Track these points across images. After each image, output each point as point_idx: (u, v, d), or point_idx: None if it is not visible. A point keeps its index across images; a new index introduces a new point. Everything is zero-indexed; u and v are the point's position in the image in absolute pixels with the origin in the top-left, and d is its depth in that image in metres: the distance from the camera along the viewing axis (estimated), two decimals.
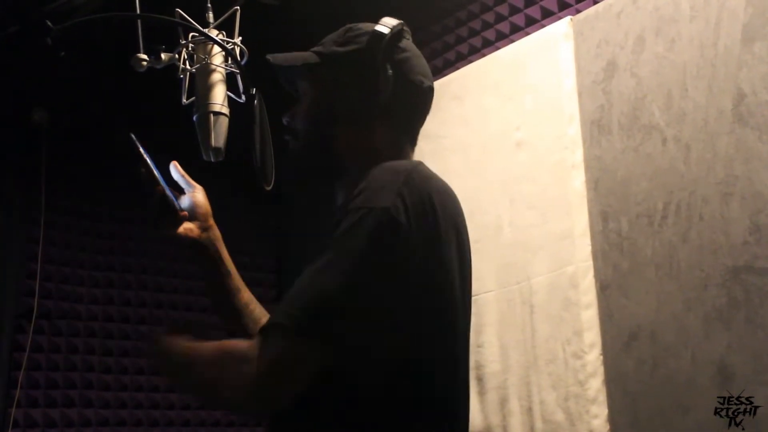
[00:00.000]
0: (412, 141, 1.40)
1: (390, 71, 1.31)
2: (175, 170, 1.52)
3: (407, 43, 1.37)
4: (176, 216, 1.44)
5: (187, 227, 1.45)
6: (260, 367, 1.07)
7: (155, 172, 1.42)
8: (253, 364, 1.07)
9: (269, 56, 1.36)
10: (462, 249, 1.27)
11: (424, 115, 1.41)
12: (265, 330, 1.11)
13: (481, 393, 2.49)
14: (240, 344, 1.14)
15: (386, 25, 1.33)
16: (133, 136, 1.42)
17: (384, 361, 1.13)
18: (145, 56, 1.70)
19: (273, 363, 1.07)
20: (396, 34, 1.33)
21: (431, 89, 1.38)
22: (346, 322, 1.09)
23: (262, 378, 1.07)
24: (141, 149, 1.42)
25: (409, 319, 1.14)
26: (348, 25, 1.38)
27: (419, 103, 1.37)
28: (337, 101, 1.34)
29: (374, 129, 1.32)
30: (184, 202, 1.48)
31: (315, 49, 1.38)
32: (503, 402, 2.43)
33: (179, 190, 1.51)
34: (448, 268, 1.20)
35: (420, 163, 1.25)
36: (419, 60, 1.37)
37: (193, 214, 1.47)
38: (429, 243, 1.15)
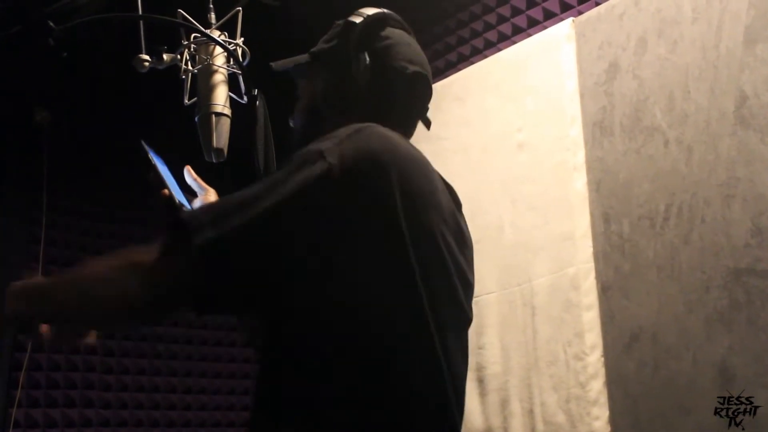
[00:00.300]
0: (405, 130, 1.36)
1: (366, 60, 1.31)
2: (188, 174, 1.53)
3: (391, 30, 1.36)
4: None
5: None
6: (156, 275, 1.05)
7: (164, 175, 1.41)
8: (149, 273, 1.05)
9: (272, 63, 1.39)
10: (435, 217, 1.19)
11: (416, 103, 1.38)
12: (172, 236, 1.07)
13: (482, 394, 2.49)
14: (141, 253, 1.08)
15: (360, 14, 1.35)
16: (143, 142, 1.42)
17: (308, 309, 1.10)
18: (147, 57, 1.71)
19: (170, 275, 1.05)
20: (374, 22, 1.34)
21: (419, 75, 1.35)
22: (253, 255, 1.05)
23: (156, 286, 1.05)
24: (151, 155, 1.42)
25: (328, 266, 1.08)
26: (337, 22, 1.39)
27: (405, 90, 1.34)
28: (323, 95, 1.35)
29: (361, 119, 1.31)
30: (197, 204, 1.49)
31: (312, 49, 1.40)
32: (504, 403, 2.43)
33: (193, 194, 1.52)
34: (388, 230, 1.10)
35: (383, 127, 1.19)
36: (405, 47, 1.36)
37: None
38: (364, 197, 1.09)
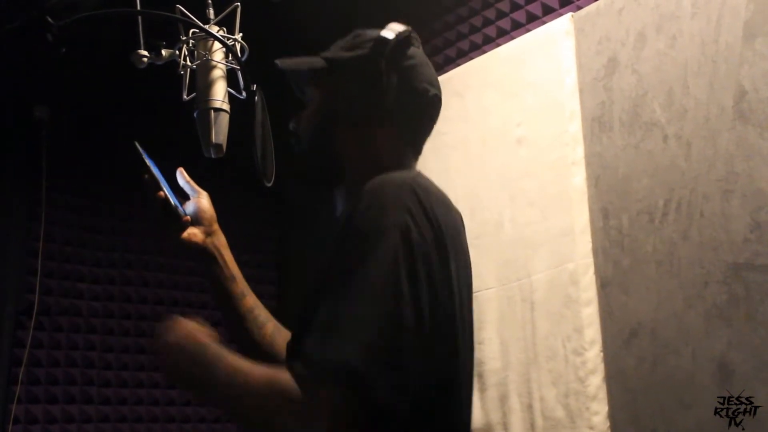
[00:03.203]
0: (416, 149, 1.38)
1: (394, 77, 1.30)
2: (181, 177, 1.53)
3: (415, 50, 1.36)
4: (180, 221, 1.44)
5: (191, 232, 1.46)
6: (311, 414, 1.02)
7: (158, 178, 1.42)
8: (303, 410, 1.02)
9: (278, 61, 1.37)
10: (464, 262, 1.25)
11: (430, 124, 1.40)
12: (314, 372, 1.03)
13: (482, 390, 2.49)
14: (290, 382, 1.04)
15: (392, 30, 1.33)
16: (137, 144, 1.42)
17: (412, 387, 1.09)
18: (145, 52, 1.71)
19: (324, 414, 1.02)
20: (403, 40, 1.33)
21: (437, 98, 1.36)
22: (392, 363, 1.03)
23: (309, 425, 1.02)
24: (145, 157, 1.42)
25: (430, 340, 1.09)
26: (356, 31, 1.38)
27: (424, 111, 1.37)
28: (340, 105, 1.34)
29: (376, 135, 1.32)
30: (189, 207, 1.49)
31: (323, 54, 1.38)
32: (503, 399, 2.43)
33: (185, 197, 1.52)
34: (453, 284, 1.16)
35: (419, 175, 1.22)
36: (426, 68, 1.36)
37: (197, 219, 1.48)
38: (438, 259, 1.12)
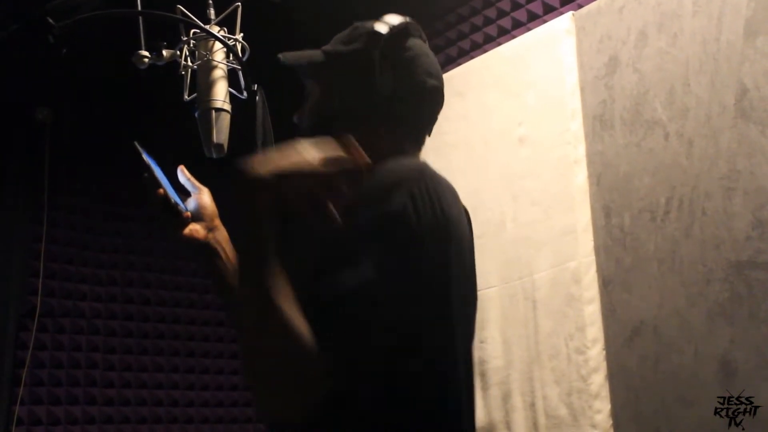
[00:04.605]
0: (418, 141, 1.38)
1: (391, 71, 1.30)
2: (182, 174, 1.53)
3: (414, 41, 1.35)
4: (180, 218, 1.45)
5: (193, 228, 1.46)
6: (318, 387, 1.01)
7: (158, 176, 1.42)
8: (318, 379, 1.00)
9: (280, 55, 1.37)
10: (468, 248, 1.26)
11: (431, 116, 1.39)
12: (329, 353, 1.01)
13: (484, 388, 2.49)
14: (310, 344, 1.01)
15: (387, 23, 1.33)
16: (136, 143, 1.42)
17: (387, 355, 1.10)
18: (146, 53, 1.71)
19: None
20: (399, 32, 1.33)
21: (437, 89, 1.36)
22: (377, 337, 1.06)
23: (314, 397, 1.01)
24: (144, 155, 1.43)
25: (411, 318, 1.11)
26: (355, 24, 1.38)
27: (423, 104, 1.36)
28: (338, 100, 1.34)
29: (376, 128, 1.32)
30: (191, 204, 1.49)
31: (324, 47, 1.38)
32: (506, 397, 2.43)
33: (187, 194, 1.52)
34: (450, 267, 1.17)
35: (426, 163, 1.23)
36: (426, 59, 1.36)
37: (198, 216, 1.48)
38: (435, 243, 1.13)
